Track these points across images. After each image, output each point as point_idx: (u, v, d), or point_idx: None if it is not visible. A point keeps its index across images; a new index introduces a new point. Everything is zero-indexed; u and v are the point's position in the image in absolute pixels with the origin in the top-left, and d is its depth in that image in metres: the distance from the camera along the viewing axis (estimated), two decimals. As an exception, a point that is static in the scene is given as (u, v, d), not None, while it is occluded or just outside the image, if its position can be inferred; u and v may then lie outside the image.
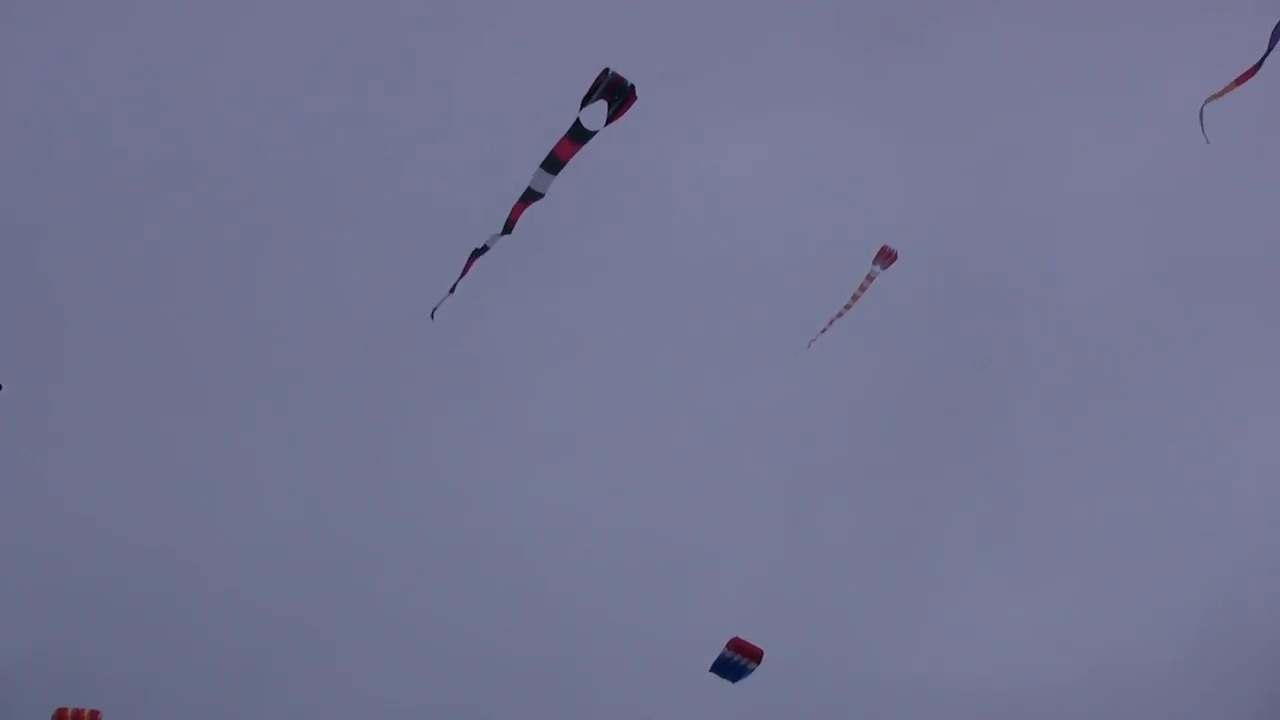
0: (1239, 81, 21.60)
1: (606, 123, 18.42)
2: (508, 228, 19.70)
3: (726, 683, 21.82)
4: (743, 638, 21.50)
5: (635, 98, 18.19)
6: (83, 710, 18.65)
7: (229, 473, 32.74)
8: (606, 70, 18.15)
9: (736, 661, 21.50)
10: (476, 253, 20.06)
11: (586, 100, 18.21)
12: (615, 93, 18.15)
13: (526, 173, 19.21)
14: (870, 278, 27.87)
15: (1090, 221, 36.42)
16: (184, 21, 34.54)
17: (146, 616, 30.25)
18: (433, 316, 21.03)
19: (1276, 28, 20.72)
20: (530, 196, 19.37)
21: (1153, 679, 33.09)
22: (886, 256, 27.78)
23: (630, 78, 18.04)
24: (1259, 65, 21.10)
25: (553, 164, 18.91)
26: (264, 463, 33.12)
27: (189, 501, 32.21)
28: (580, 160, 19.13)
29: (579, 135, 18.58)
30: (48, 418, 31.60)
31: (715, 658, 21.59)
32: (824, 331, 28.50)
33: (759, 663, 21.55)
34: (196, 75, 34.32)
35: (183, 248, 33.93)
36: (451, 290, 20.68)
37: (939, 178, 32.32)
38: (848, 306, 28.06)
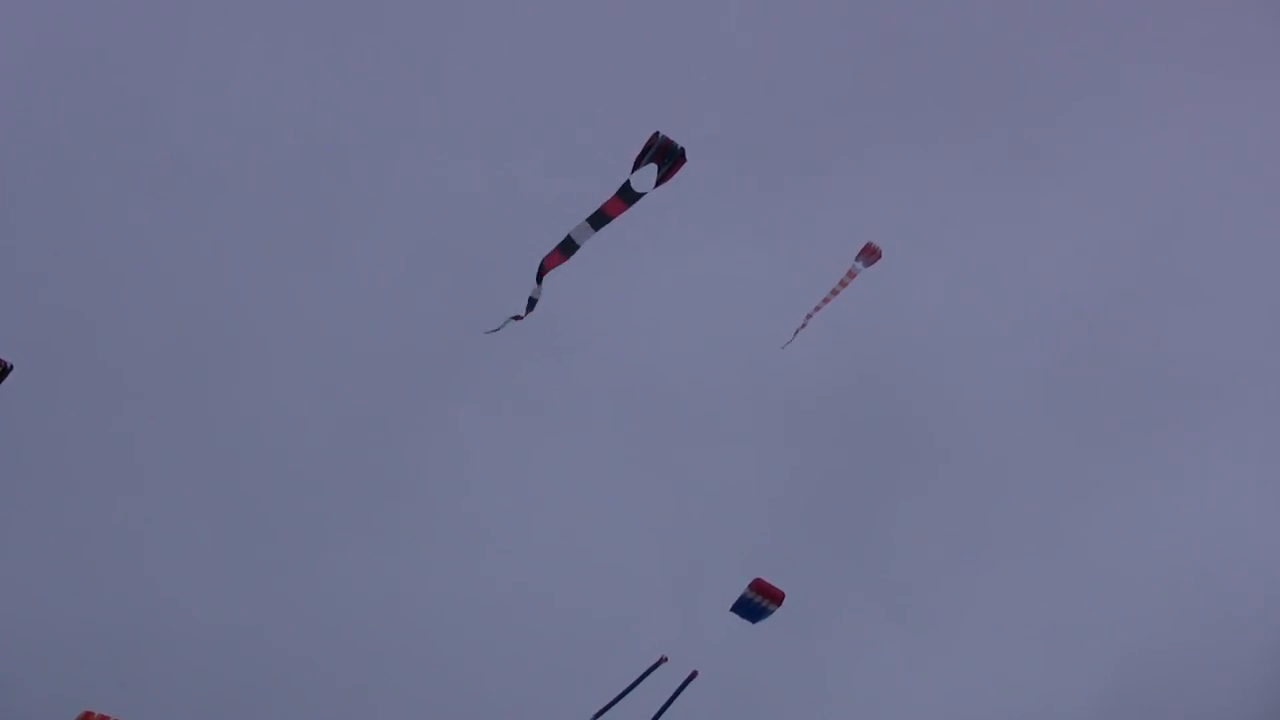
0: None
1: (657, 184, 18.89)
2: (539, 277, 19.70)
3: None
4: (765, 579, 21.57)
5: (685, 160, 18.77)
6: (108, 716, 17.53)
7: (166, 566, 31.52)
8: (657, 134, 18.65)
9: (758, 603, 21.57)
10: (521, 313, 19.96)
11: (638, 163, 18.68)
12: (665, 156, 18.70)
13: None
14: (852, 273, 28.33)
15: (984, 329, 38.67)
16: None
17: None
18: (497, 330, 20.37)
19: None
20: (567, 248, 19.58)
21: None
22: (871, 253, 28.14)
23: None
24: None
25: (598, 219, 19.19)
26: (201, 560, 32.05)
27: (125, 589, 30.75)
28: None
29: (628, 196, 18.97)
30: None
31: (737, 598, 21.60)
32: (803, 327, 28.79)
33: (780, 604, 21.63)
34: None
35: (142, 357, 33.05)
36: (516, 318, 20.21)
37: (845, 301, 33.96)
38: (826, 300, 28.48)
